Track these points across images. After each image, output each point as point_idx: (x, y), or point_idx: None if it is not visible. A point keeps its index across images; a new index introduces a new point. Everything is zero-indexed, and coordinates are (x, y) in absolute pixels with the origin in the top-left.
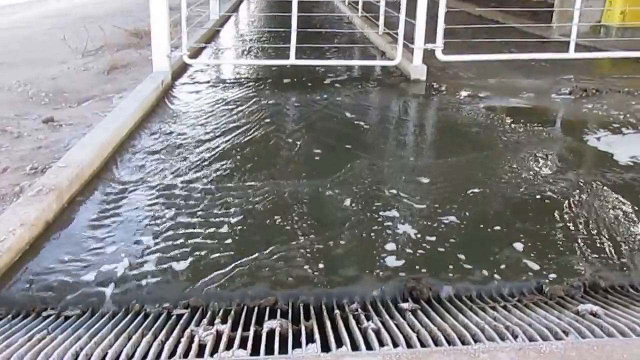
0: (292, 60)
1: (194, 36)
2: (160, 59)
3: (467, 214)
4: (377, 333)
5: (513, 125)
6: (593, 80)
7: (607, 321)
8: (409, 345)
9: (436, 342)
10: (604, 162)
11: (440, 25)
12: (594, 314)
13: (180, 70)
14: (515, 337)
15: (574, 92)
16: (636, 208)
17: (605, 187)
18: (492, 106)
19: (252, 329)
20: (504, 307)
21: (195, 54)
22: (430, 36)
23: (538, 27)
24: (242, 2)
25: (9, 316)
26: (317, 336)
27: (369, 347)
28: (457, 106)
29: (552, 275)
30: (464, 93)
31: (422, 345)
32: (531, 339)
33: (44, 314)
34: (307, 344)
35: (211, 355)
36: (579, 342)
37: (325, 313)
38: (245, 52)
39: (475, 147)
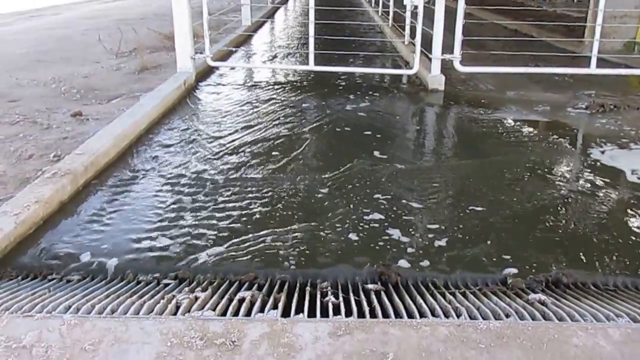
0: (311, 66)
1: (224, 40)
2: (184, 61)
3: (458, 221)
4: (337, 306)
5: (520, 137)
6: (614, 96)
7: (551, 309)
8: (361, 316)
9: (386, 317)
10: (601, 174)
11: (458, 37)
12: (542, 303)
13: (205, 72)
14: (459, 316)
15: (590, 107)
16: (620, 216)
17: (596, 198)
18: (505, 118)
19: (226, 297)
20: (463, 294)
21: (224, 57)
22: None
23: (570, 42)
24: (279, 10)
25: (19, 278)
26: (280, 304)
27: (325, 316)
28: (469, 116)
29: (518, 269)
30: (479, 104)
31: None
32: (474, 319)
33: (49, 277)
34: (269, 310)
35: (183, 314)
36: (516, 323)
37: (297, 289)
38: (272, 57)
39: (474, 155)
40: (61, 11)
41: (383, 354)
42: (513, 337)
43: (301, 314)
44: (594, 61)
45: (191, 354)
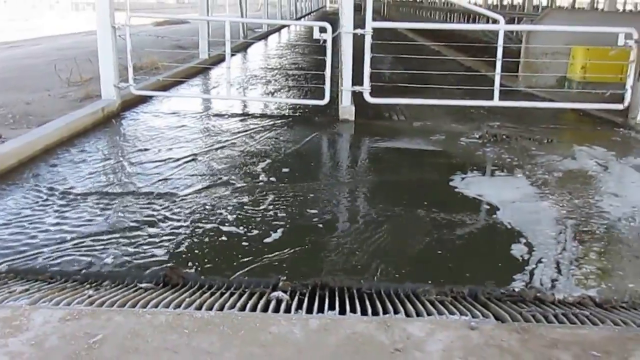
0: (225, 95)
1: (168, 72)
2: (108, 89)
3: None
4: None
5: (398, 162)
6: (516, 127)
7: (287, 303)
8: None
9: None
10: (446, 197)
11: (367, 70)
12: (279, 300)
13: (137, 100)
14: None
15: (482, 137)
16: (430, 232)
17: (420, 217)
18: (394, 147)
19: (109, 290)
20: (222, 293)
21: (166, 87)
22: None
23: (507, 77)
24: (252, 45)
25: None
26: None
27: None
28: (363, 144)
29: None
30: (381, 134)
31: None
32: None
33: None
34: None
35: None
36: (230, 313)
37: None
38: (213, 88)
39: (340, 176)
40: (42, 42)
41: (94, 335)
42: (219, 324)
43: (46, 302)
44: (496, 93)
45: None
